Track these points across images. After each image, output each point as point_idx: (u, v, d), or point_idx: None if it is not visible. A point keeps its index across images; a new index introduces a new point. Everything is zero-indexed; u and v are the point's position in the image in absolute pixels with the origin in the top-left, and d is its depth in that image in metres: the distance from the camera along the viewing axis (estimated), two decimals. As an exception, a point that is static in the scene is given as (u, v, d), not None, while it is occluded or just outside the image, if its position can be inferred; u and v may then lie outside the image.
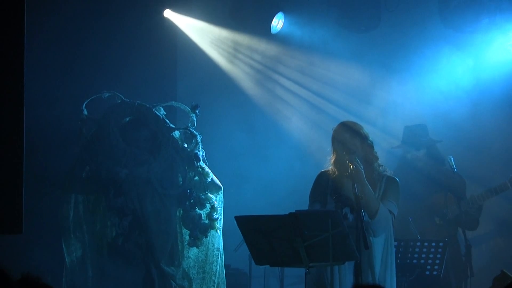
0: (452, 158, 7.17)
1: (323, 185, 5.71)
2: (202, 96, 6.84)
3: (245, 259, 7.77)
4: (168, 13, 8.92)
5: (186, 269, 6.63)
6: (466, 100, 8.37)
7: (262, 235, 5.12)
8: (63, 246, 6.52)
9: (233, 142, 8.77)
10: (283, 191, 8.47)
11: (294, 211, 5.16)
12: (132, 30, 8.52)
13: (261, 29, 8.84)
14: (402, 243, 6.87)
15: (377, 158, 5.73)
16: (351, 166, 5.45)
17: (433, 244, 6.86)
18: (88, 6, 8.31)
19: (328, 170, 5.77)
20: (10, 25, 5.44)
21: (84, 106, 6.57)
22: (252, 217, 5.30)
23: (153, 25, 8.77)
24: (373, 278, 5.47)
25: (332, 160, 5.75)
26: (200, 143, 6.66)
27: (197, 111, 6.69)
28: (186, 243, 6.63)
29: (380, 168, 5.74)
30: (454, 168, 7.13)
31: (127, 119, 6.66)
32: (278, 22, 8.85)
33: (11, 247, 7.46)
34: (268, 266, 5.52)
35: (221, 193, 6.69)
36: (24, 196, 5.51)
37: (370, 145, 5.73)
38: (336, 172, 5.69)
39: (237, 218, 5.45)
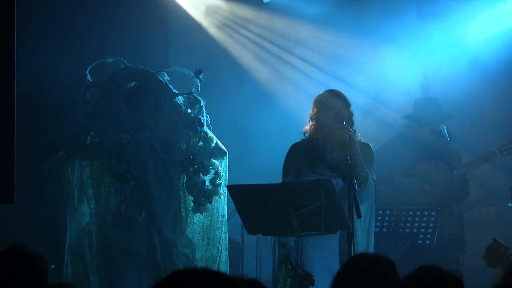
0: (444, 127, 7.15)
1: (297, 157, 5.64)
2: (193, 65, 6.77)
3: (237, 229, 7.78)
4: (159, -19, 8.84)
5: (191, 236, 6.63)
6: (458, 68, 8.34)
7: (254, 204, 5.10)
8: (67, 212, 6.50)
9: (223, 113, 8.69)
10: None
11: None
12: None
13: (254, -3, 8.78)
14: (394, 212, 6.87)
15: (355, 130, 5.64)
16: (345, 135, 5.41)
17: (426, 213, 6.86)
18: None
19: (301, 142, 5.70)
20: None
21: (87, 72, 6.51)
22: (244, 186, 5.28)
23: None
24: (355, 245, 5.39)
25: (312, 127, 5.67)
26: (204, 109, 6.63)
27: (200, 76, 6.65)
28: (190, 209, 6.62)
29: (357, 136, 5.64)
30: (447, 137, 7.11)
31: (131, 84, 6.62)
32: (270, -9, 8.79)
33: (1, 217, 7.44)
34: (261, 235, 5.50)
35: (226, 158, 6.68)
36: (16, 165, 5.47)
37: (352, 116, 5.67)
38: (316, 139, 5.62)
39: (229, 187, 5.43)
